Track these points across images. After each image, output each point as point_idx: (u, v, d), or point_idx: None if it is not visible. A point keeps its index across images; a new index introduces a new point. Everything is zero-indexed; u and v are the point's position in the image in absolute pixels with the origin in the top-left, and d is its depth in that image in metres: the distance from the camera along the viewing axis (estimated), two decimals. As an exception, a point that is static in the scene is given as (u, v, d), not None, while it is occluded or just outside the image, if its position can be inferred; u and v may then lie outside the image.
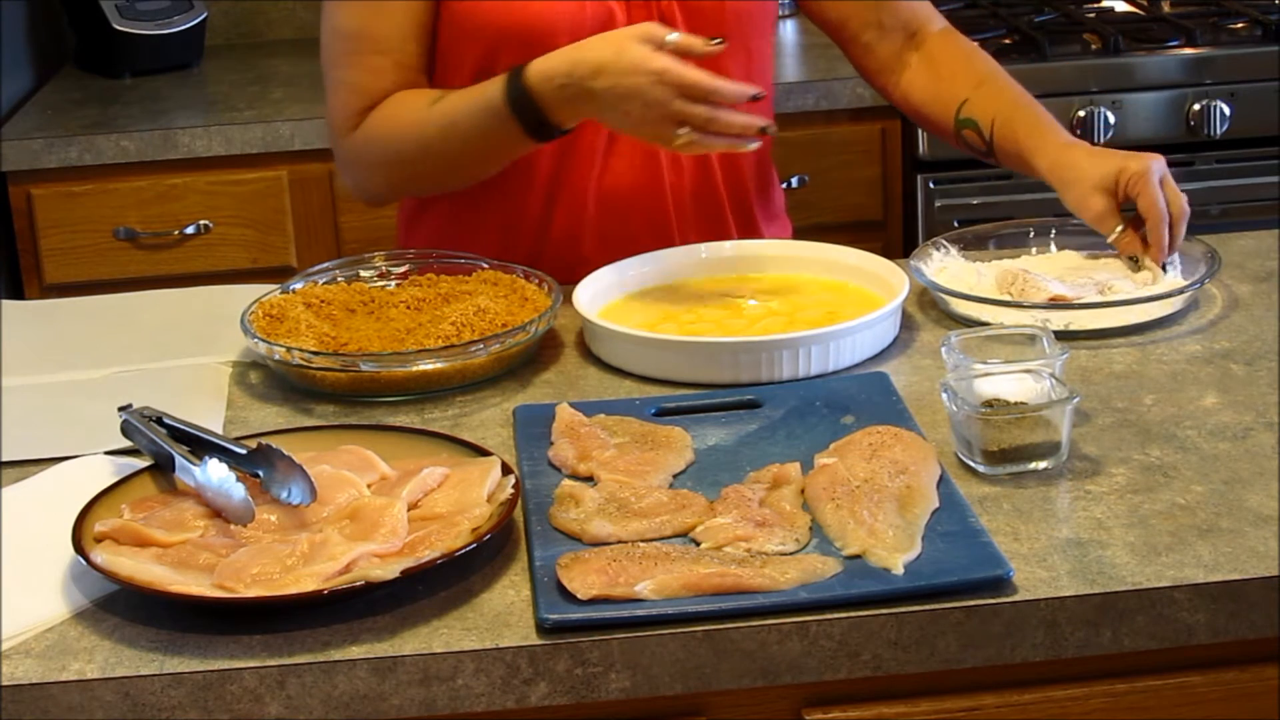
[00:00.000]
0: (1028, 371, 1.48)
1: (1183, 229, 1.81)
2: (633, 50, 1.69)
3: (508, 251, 1.93)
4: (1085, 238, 1.89)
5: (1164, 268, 1.81)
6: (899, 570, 1.29)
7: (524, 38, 1.83)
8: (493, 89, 1.79)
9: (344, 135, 1.92)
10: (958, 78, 1.99)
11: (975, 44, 2.04)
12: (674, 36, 1.70)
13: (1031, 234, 1.93)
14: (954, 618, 1.26)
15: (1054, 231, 1.92)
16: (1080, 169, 1.83)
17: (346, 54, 1.90)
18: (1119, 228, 1.82)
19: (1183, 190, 1.82)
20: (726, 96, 1.68)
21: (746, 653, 1.25)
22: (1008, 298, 1.77)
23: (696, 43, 1.70)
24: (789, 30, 3.30)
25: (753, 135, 1.71)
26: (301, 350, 1.65)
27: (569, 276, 1.82)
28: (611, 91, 1.70)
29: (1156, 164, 1.81)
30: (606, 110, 1.72)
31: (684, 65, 1.68)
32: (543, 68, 1.75)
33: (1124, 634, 1.28)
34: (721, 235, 1.97)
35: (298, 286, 1.83)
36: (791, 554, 1.32)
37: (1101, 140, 2.90)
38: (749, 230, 2.02)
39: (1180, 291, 1.76)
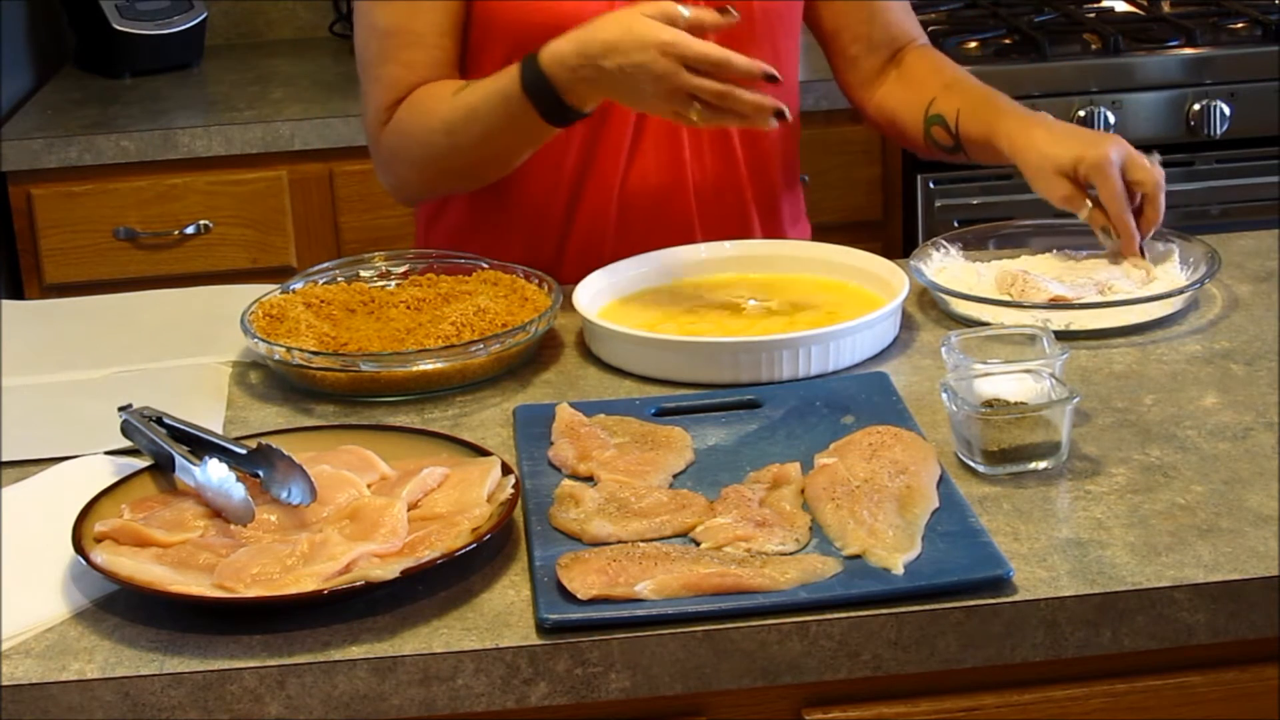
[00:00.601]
0: (1028, 371, 1.48)
1: (1161, 199, 1.79)
2: (641, 26, 1.68)
3: (529, 250, 1.93)
4: (1085, 238, 1.89)
5: (1142, 252, 1.80)
6: (899, 570, 1.29)
7: (551, 37, 1.83)
8: (509, 75, 1.78)
9: (378, 131, 1.92)
10: (927, 82, 2.00)
11: (947, 57, 2.05)
12: (687, 11, 1.68)
13: (1031, 234, 1.93)
14: (954, 618, 1.26)
15: (1054, 232, 1.92)
16: (1040, 153, 1.82)
17: (382, 51, 1.90)
18: (1088, 205, 1.81)
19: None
20: (736, 69, 1.66)
21: (746, 653, 1.25)
22: (1008, 298, 1.77)
23: (709, 16, 1.69)
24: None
25: (767, 115, 1.68)
26: (301, 350, 1.65)
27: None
28: (621, 69, 1.69)
29: (1115, 150, 1.79)
30: (620, 88, 1.71)
31: (693, 38, 1.66)
32: (555, 50, 1.74)
33: (1124, 634, 1.28)
34: (745, 235, 1.97)
35: (298, 286, 1.83)
36: (791, 554, 1.32)
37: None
38: (773, 231, 2.02)
39: (1180, 291, 1.76)
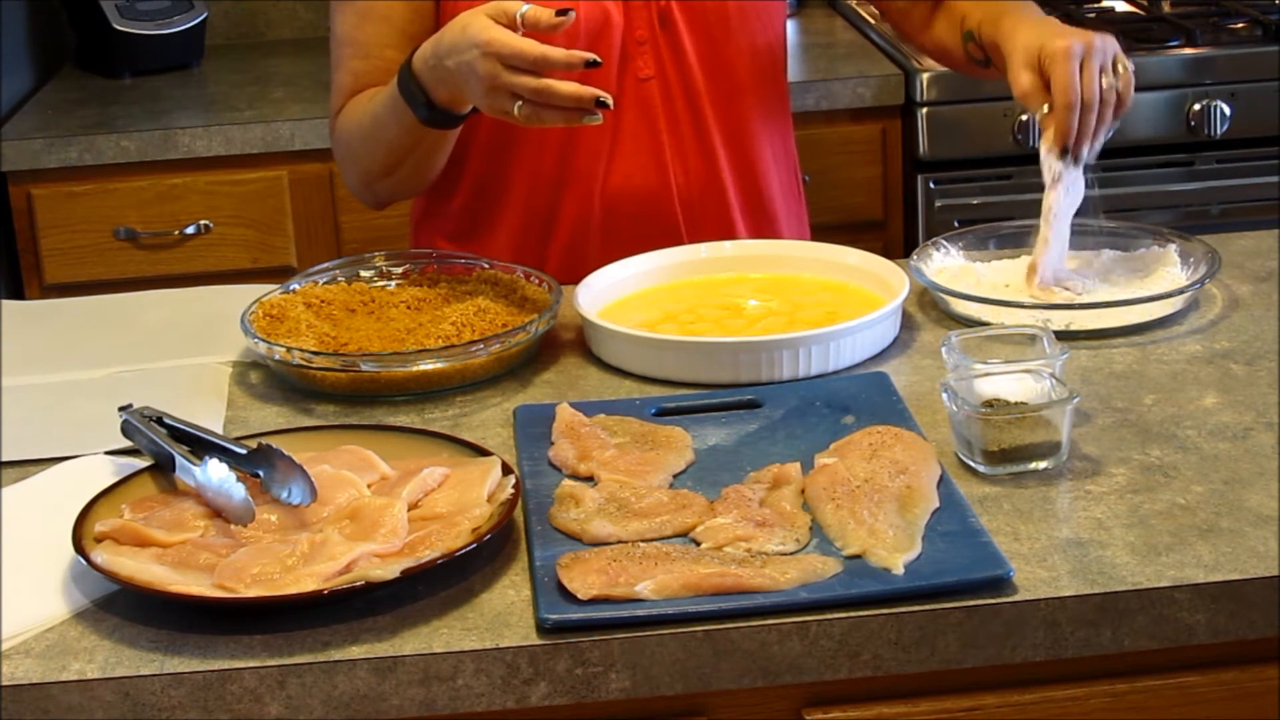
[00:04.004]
0: (1028, 371, 1.48)
1: (1091, 118, 1.72)
2: (474, 25, 1.66)
3: (515, 253, 1.93)
4: (1085, 238, 1.89)
5: (1076, 159, 1.74)
6: (899, 570, 1.29)
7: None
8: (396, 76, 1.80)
9: (330, 136, 1.98)
10: (963, 4, 1.97)
11: None
12: (525, 9, 1.65)
13: (1031, 234, 1.92)
14: (954, 618, 1.26)
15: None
16: (1015, 41, 1.78)
17: (337, 59, 1.95)
18: (1045, 106, 1.75)
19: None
20: (554, 64, 1.63)
21: (746, 653, 1.25)
22: (1008, 298, 1.77)
23: (544, 15, 1.65)
24: (789, 30, 3.30)
25: (588, 107, 1.64)
26: (301, 350, 1.65)
27: (577, 279, 1.81)
28: (457, 69, 1.69)
29: (1078, 44, 1.72)
30: (461, 87, 1.71)
31: (513, 35, 1.64)
32: (421, 49, 1.76)
33: (1124, 634, 1.28)
34: (733, 238, 1.96)
35: (298, 286, 1.83)
36: (791, 554, 1.32)
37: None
38: (765, 234, 2.01)
39: (1180, 291, 1.76)
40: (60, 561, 1.36)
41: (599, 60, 1.64)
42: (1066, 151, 1.75)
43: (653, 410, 1.58)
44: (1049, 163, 1.76)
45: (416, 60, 1.76)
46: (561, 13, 1.64)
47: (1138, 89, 1.81)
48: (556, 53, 1.63)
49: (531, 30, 1.65)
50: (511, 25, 1.65)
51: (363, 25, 1.92)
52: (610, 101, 1.64)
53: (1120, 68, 1.76)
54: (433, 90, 1.76)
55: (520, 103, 1.66)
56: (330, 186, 2.92)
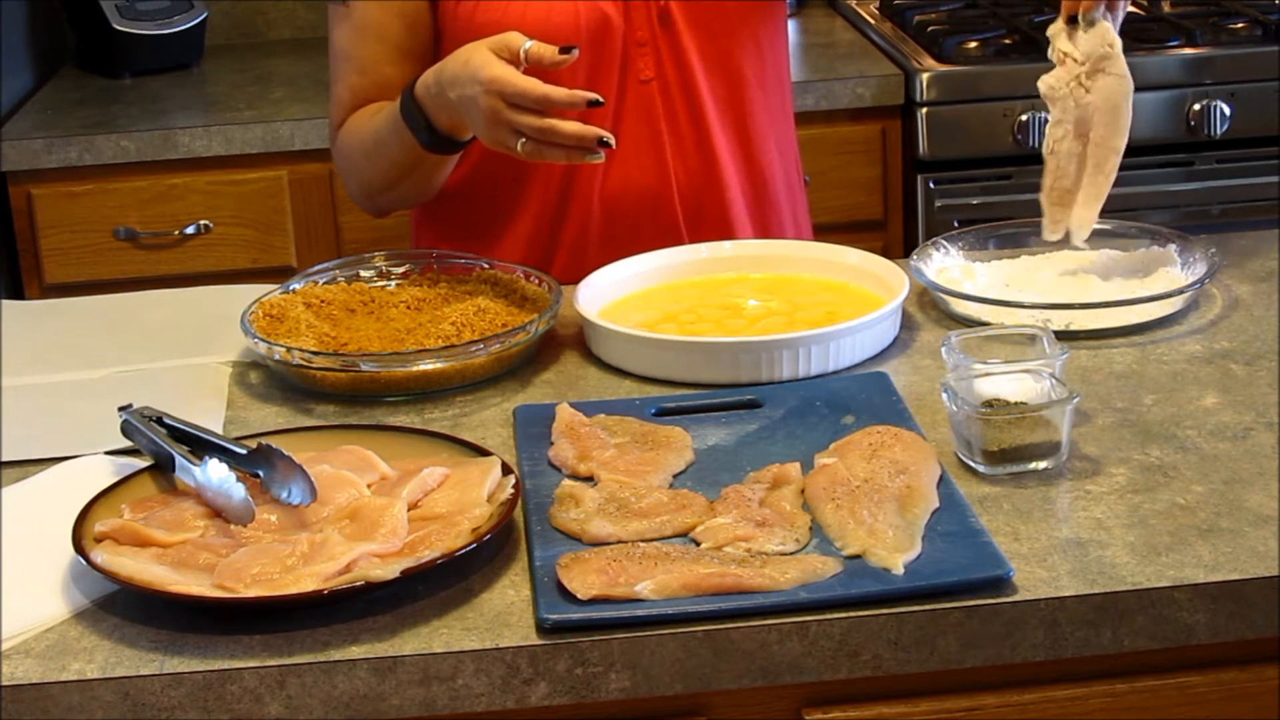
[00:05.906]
0: (1028, 371, 1.48)
1: None
2: (477, 59, 1.69)
3: (516, 254, 1.93)
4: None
5: (1089, 23, 1.78)
6: (899, 570, 1.29)
7: None
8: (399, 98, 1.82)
9: (331, 149, 2.00)
10: None
11: None
12: (528, 45, 1.68)
13: (1031, 234, 1.93)
14: (954, 618, 1.26)
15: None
16: None
17: (336, 72, 1.97)
18: None
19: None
20: (557, 104, 1.66)
21: (746, 653, 1.25)
22: (1008, 298, 1.77)
23: (547, 53, 1.67)
24: (789, 30, 3.30)
25: (591, 146, 1.67)
26: (301, 350, 1.65)
27: (578, 280, 1.81)
28: (459, 101, 1.72)
29: None
30: (464, 118, 1.74)
31: (516, 74, 1.66)
32: (425, 76, 1.78)
33: (1124, 634, 1.28)
34: (735, 237, 1.96)
35: (298, 286, 1.83)
36: (791, 554, 1.32)
37: (1101, 140, 2.90)
38: (769, 229, 2.01)
39: (1180, 291, 1.76)
40: (60, 561, 1.36)
41: (601, 100, 1.67)
42: (1075, 21, 1.78)
43: (653, 410, 1.58)
44: (1059, 41, 1.79)
45: (419, 87, 1.78)
46: (565, 50, 1.66)
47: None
48: (559, 92, 1.65)
49: (534, 67, 1.67)
50: (514, 60, 1.67)
51: (358, 42, 1.93)
52: (613, 141, 1.67)
53: None
54: (434, 117, 1.78)
55: (523, 140, 1.68)
56: (330, 186, 2.92)
